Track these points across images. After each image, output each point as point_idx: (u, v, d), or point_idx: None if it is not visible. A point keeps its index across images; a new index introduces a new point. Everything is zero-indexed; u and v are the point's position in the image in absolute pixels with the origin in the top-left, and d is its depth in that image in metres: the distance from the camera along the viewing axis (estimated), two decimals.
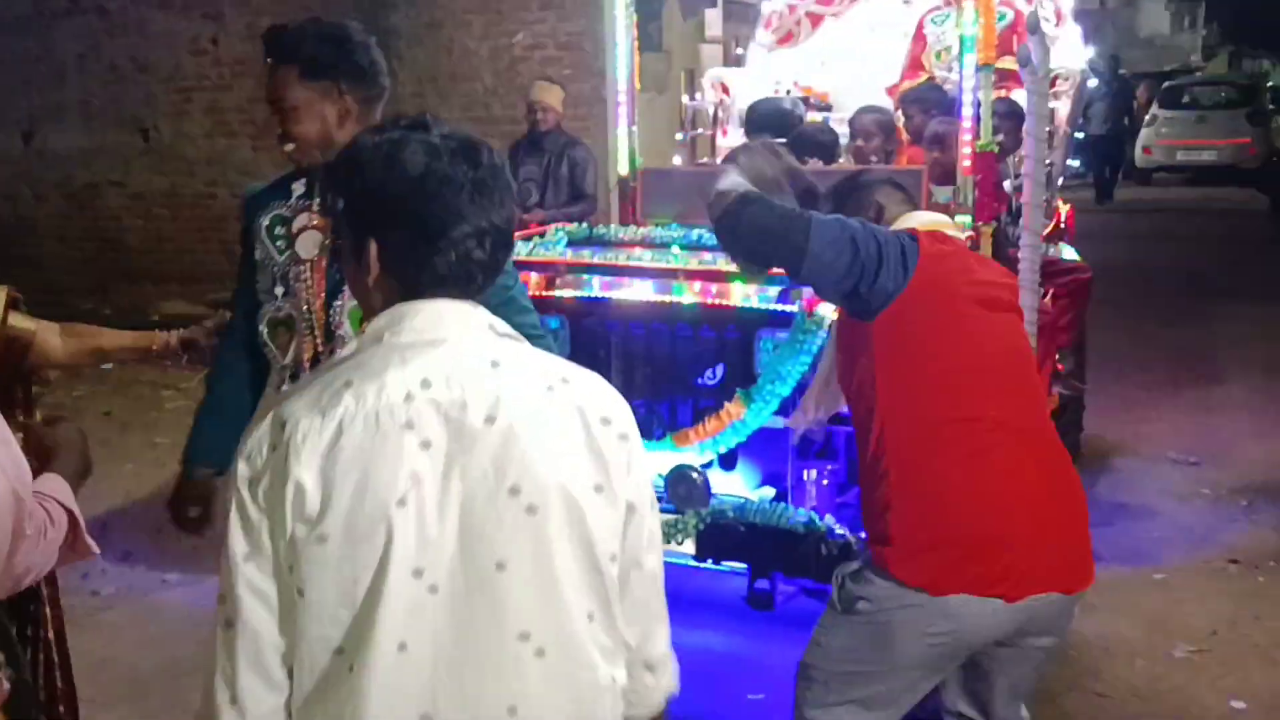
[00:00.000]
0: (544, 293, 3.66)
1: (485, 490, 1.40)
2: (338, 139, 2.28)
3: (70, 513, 1.80)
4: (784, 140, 4.94)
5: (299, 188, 2.47)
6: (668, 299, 3.54)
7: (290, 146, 2.40)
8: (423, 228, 1.45)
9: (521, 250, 3.82)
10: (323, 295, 2.43)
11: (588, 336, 3.66)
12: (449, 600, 1.40)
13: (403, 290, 1.47)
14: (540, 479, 1.41)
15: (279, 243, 2.48)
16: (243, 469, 1.41)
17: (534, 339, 2.66)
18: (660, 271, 3.59)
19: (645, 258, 3.71)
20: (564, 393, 1.46)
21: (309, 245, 2.43)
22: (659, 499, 3.36)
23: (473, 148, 1.48)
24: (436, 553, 1.39)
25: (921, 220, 2.53)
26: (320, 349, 2.42)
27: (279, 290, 2.46)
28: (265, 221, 2.50)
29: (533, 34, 8.16)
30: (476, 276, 1.48)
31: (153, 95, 9.77)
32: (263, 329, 2.47)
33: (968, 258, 2.56)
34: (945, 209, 3.92)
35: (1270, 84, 20.47)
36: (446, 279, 1.46)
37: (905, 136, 5.11)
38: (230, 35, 9.27)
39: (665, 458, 3.38)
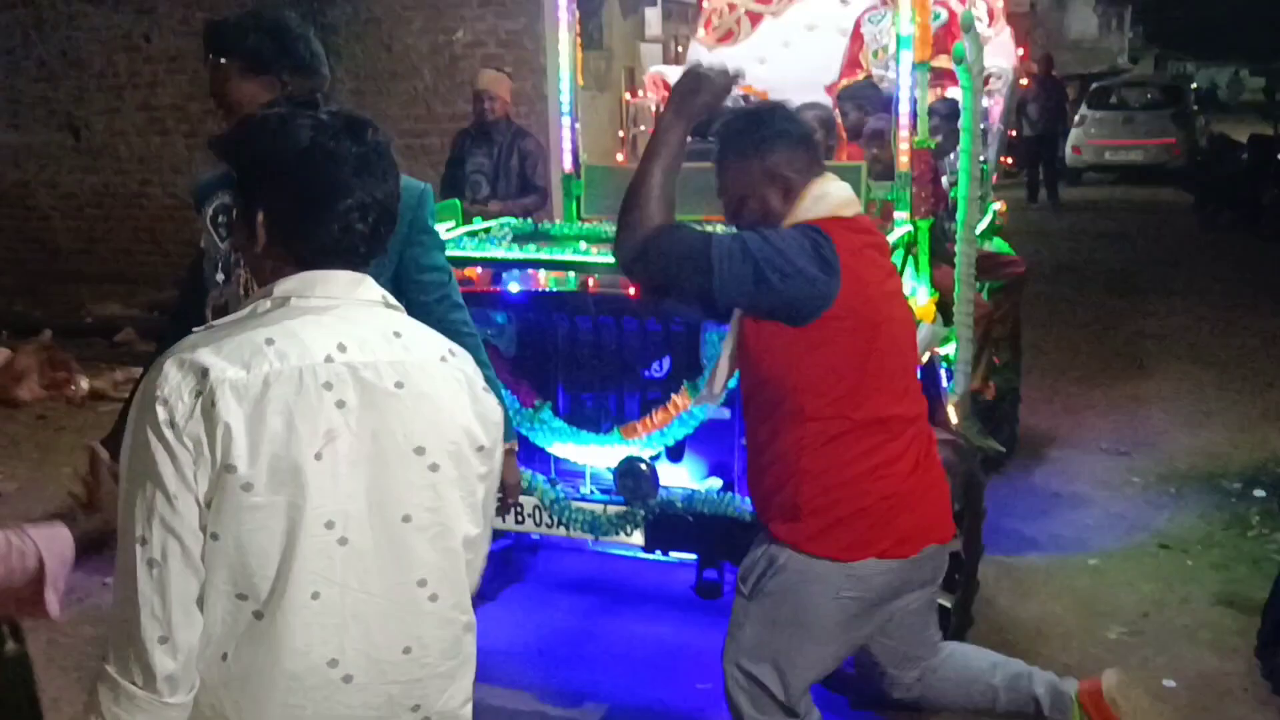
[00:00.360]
0: (490, 288, 3.68)
1: (394, 449, 1.54)
2: None
3: (41, 564, 1.72)
4: None
5: None
6: (614, 292, 3.57)
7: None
8: (307, 198, 1.54)
9: (468, 246, 3.83)
10: None
11: (534, 331, 3.67)
12: (358, 551, 1.51)
13: (290, 258, 1.56)
14: (441, 440, 1.57)
15: (222, 230, 2.50)
16: (161, 413, 1.44)
17: (465, 335, 2.73)
18: (606, 265, 3.62)
19: (590, 252, 3.74)
20: (454, 363, 1.63)
21: None
22: (608, 491, 3.44)
23: (358, 125, 1.58)
24: (347, 506, 1.50)
25: (832, 202, 2.51)
26: None
27: (220, 277, 2.50)
28: (209, 210, 2.53)
29: (473, 31, 8.14)
30: (359, 248, 1.58)
31: (84, 92, 9.60)
32: (209, 315, 2.48)
33: (876, 244, 2.61)
34: (885, 206, 4.01)
35: (1194, 86, 21.00)
36: (329, 249, 1.56)
37: (843, 134, 5.19)
38: (164, 31, 9.14)
39: (614, 450, 3.41)
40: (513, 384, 3.54)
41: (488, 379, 2.73)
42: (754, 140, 2.52)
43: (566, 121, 4.69)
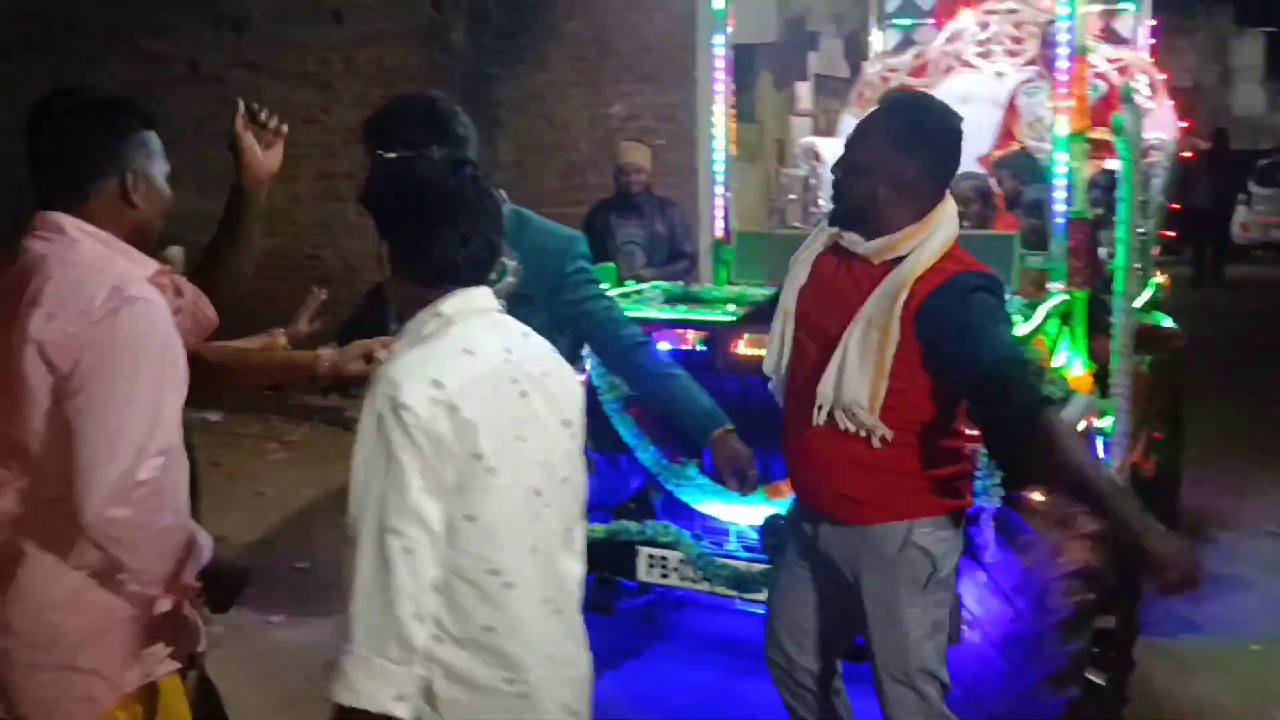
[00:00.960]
0: None
1: (553, 424, 1.89)
2: None
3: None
4: None
5: None
6: (760, 352, 3.62)
7: None
8: (419, 228, 1.83)
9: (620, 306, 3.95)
10: None
11: None
12: (552, 510, 1.87)
13: (415, 281, 1.85)
14: (574, 412, 1.96)
15: None
16: (408, 418, 1.69)
17: (643, 344, 3.00)
18: (753, 326, 3.68)
19: (739, 314, 3.81)
20: (556, 352, 1.99)
21: None
22: (752, 549, 3.47)
23: (459, 164, 1.88)
24: (545, 475, 1.86)
25: (955, 221, 2.54)
26: None
27: None
28: None
29: (630, 105, 8.40)
30: (468, 269, 1.85)
31: None
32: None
33: None
34: (1040, 276, 3.98)
35: None
36: (444, 271, 1.83)
37: (999, 203, 5.18)
38: (341, 104, 9.69)
39: (759, 509, 3.45)
40: (660, 440, 3.62)
41: (669, 376, 3.01)
42: (921, 136, 2.50)
43: (719, 190, 4.82)
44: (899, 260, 2.48)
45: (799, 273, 2.70)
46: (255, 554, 5.52)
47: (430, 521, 1.70)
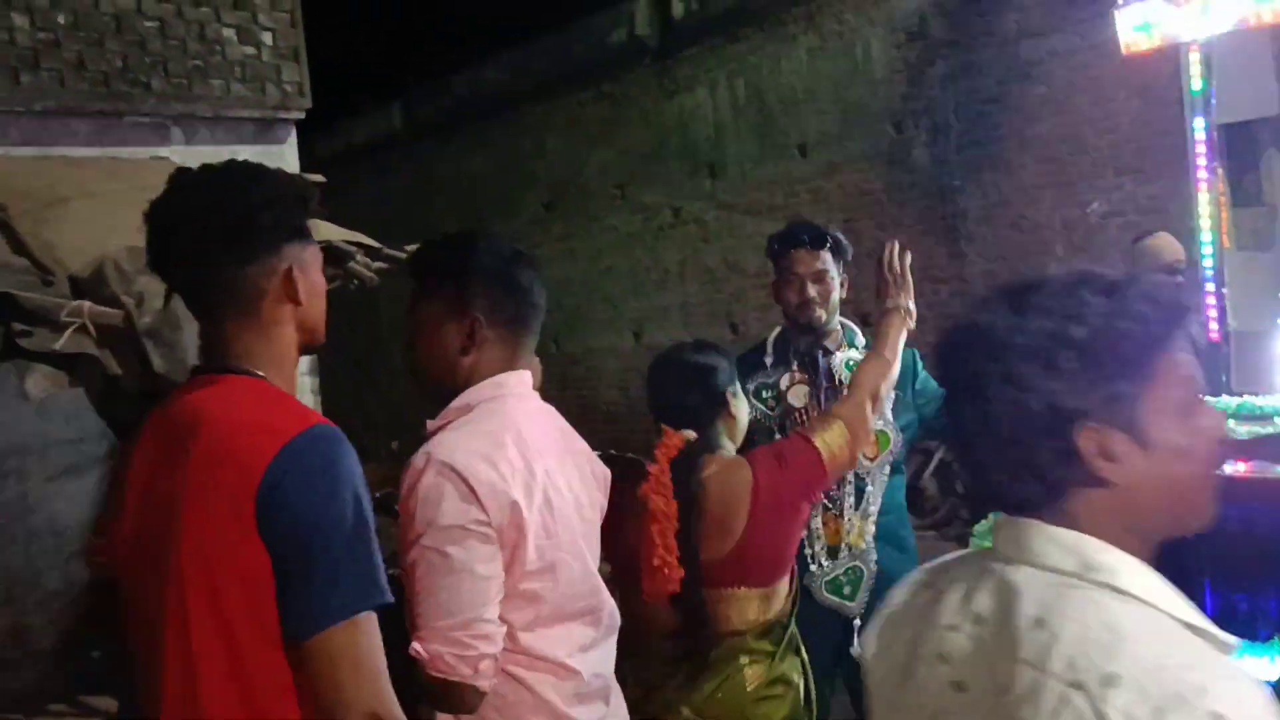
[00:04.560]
0: None
1: None
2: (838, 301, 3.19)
3: None
4: None
5: (769, 359, 3.22)
6: (1271, 476, 3.11)
7: (815, 312, 3.15)
8: None
9: None
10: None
11: None
12: None
13: None
14: None
15: (770, 402, 3.18)
16: None
17: None
18: (1258, 445, 3.19)
19: (1239, 431, 3.32)
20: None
21: (799, 396, 3.16)
22: None
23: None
24: None
25: None
26: None
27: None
28: (751, 386, 3.13)
29: (1109, 201, 7.83)
30: None
31: (741, 293, 10.69)
32: None
33: None
34: None
35: None
36: None
37: None
38: None
39: (1274, 664, 2.90)
40: None
41: None
42: None
43: (1209, 287, 4.28)
44: None
45: None
46: None
47: None
